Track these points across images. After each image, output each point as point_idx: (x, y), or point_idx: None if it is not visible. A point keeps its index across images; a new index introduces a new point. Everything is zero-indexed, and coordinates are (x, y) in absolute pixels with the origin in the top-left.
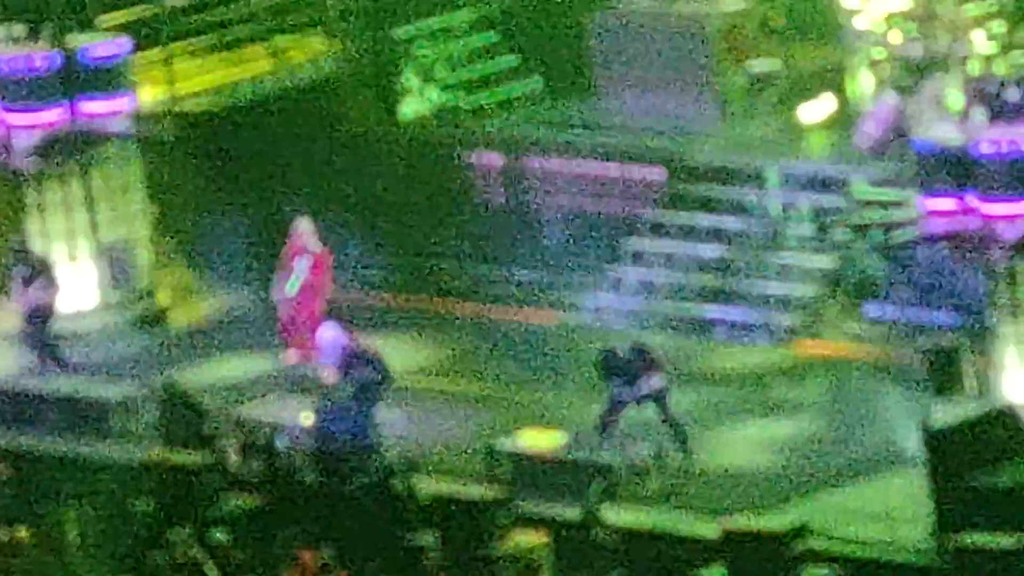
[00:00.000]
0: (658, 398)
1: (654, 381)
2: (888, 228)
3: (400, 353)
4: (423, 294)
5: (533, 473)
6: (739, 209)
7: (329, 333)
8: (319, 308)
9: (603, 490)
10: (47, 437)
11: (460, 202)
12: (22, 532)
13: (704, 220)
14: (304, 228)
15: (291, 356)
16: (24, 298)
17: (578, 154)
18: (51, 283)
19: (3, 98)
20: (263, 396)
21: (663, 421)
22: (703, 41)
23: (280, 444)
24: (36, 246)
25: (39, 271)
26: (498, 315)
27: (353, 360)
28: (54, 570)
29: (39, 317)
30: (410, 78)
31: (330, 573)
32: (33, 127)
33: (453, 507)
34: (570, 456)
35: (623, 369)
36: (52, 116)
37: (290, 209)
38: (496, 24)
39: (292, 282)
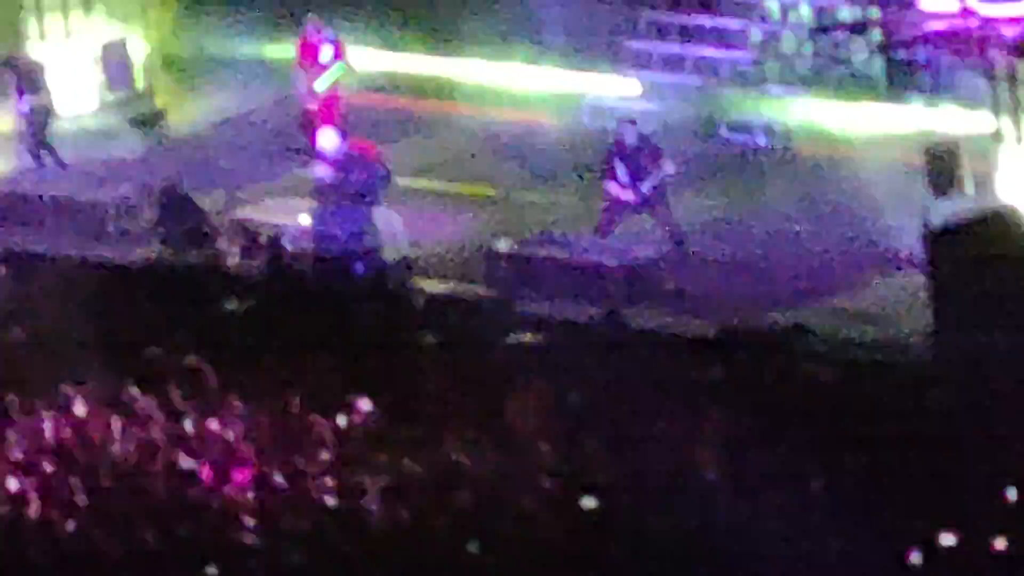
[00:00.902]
0: (661, 193)
1: (667, 166)
2: (887, 28)
3: (400, 154)
4: (423, 96)
5: (532, 274)
6: (740, 8)
7: (328, 136)
8: (340, 103)
9: (616, 292)
10: (44, 238)
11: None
12: (18, 332)
13: (706, 22)
14: (316, 23)
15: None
16: (20, 99)
17: None
18: (47, 84)
19: None
20: (262, 199)
21: (662, 222)
22: None
23: (281, 246)
24: (33, 48)
25: (35, 73)
26: (497, 116)
27: (352, 162)
28: (52, 369)
29: (36, 118)
30: None
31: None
32: None
33: (452, 306)
34: (570, 257)
35: (631, 159)
36: None
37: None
38: None
39: (327, 77)
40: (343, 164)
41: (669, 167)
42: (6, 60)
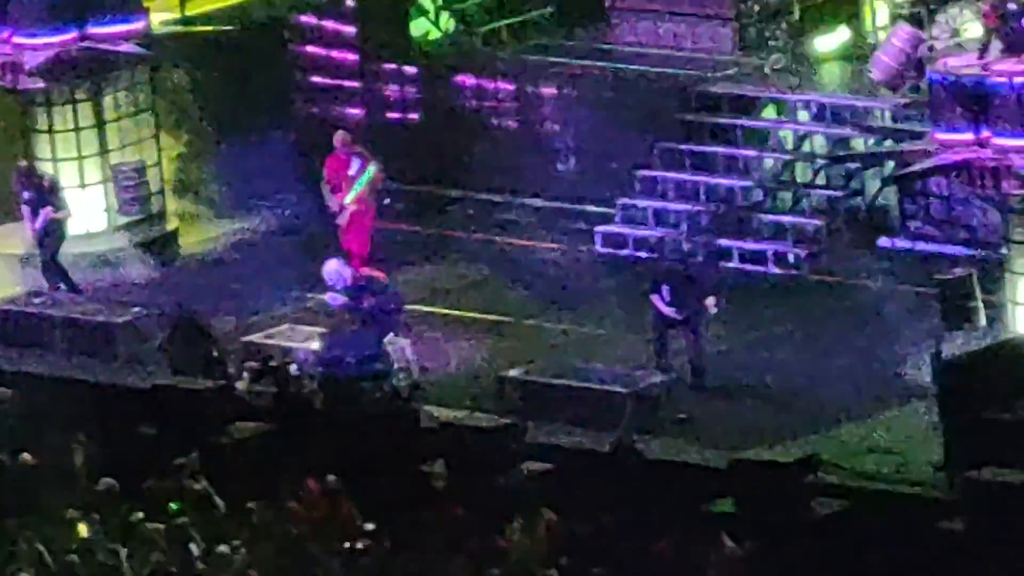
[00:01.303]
0: (699, 316)
1: (711, 302)
2: (902, 160)
3: (411, 281)
4: (435, 223)
5: (542, 401)
6: (753, 140)
7: (332, 266)
8: (370, 221)
9: (633, 419)
10: (54, 360)
11: (472, 130)
12: (27, 457)
13: (718, 150)
14: (345, 138)
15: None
16: (33, 220)
17: (591, 83)
18: (61, 205)
19: (13, 20)
20: (274, 324)
21: (691, 345)
22: None
23: (290, 370)
24: (45, 169)
25: (48, 193)
26: (510, 244)
27: (363, 290)
28: (59, 496)
29: (49, 239)
30: (425, 1)
31: (336, 499)
32: (43, 49)
33: (462, 434)
34: (579, 385)
35: (680, 287)
36: (62, 38)
37: (305, 133)
38: None
39: (355, 189)
40: (355, 291)
41: (713, 308)
42: (25, 173)
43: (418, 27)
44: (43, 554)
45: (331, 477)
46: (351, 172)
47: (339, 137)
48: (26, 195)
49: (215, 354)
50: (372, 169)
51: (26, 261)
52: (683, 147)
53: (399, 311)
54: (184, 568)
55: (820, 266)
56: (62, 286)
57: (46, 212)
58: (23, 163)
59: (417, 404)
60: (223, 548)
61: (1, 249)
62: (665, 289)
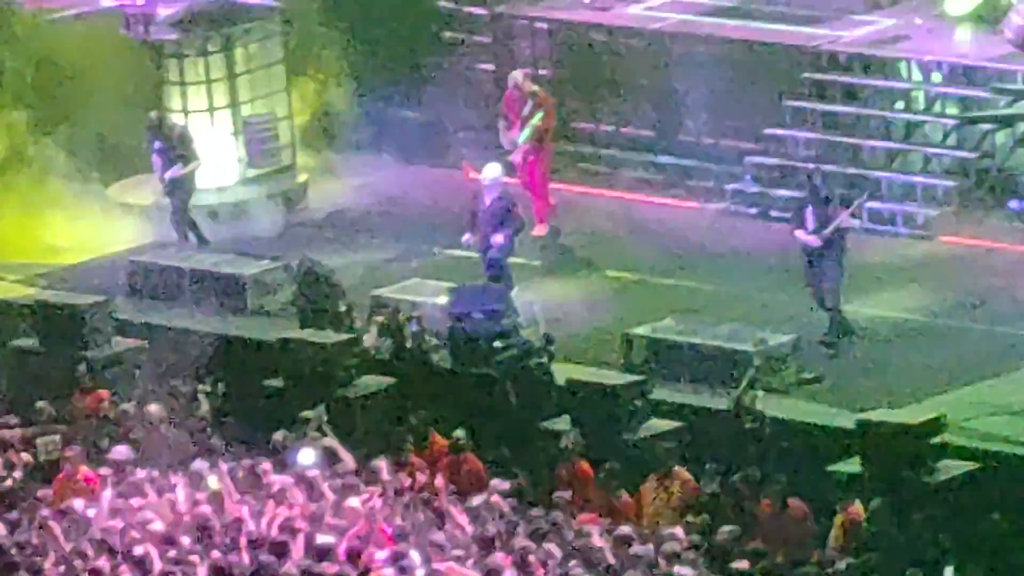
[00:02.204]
0: (837, 248)
1: (849, 219)
2: None
3: (538, 239)
4: (566, 179)
5: (670, 360)
6: (883, 100)
7: (493, 167)
8: (546, 165)
9: (752, 378)
10: (183, 312)
11: (602, 85)
12: (155, 409)
13: (847, 110)
14: (518, 78)
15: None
16: (163, 171)
17: (720, 41)
18: (191, 157)
19: None
20: (403, 277)
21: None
22: None
23: (415, 326)
24: (176, 120)
25: (179, 144)
26: (639, 201)
27: (504, 195)
28: (186, 446)
29: (179, 191)
30: None
31: (460, 453)
32: (176, 1)
33: (589, 392)
34: (707, 343)
35: (820, 209)
36: None
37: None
38: None
39: (527, 129)
40: (495, 193)
41: (851, 220)
42: (157, 125)
43: None
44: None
45: (458, 432)
46: (525, 112)
47: (513, 77)
48: (157, 145)
49: (344, 307)
50: (540, 114)
51: (155, 212)
52: (814, 106)
53: (520, 231)
54: (311, 520)
55: (951, 228)
56: (191, 237)
57: (176, 167)
58: (155, 114)
59: (547, 361)
60: (351, 501)
61: (130, 200)
62: (809, 216)
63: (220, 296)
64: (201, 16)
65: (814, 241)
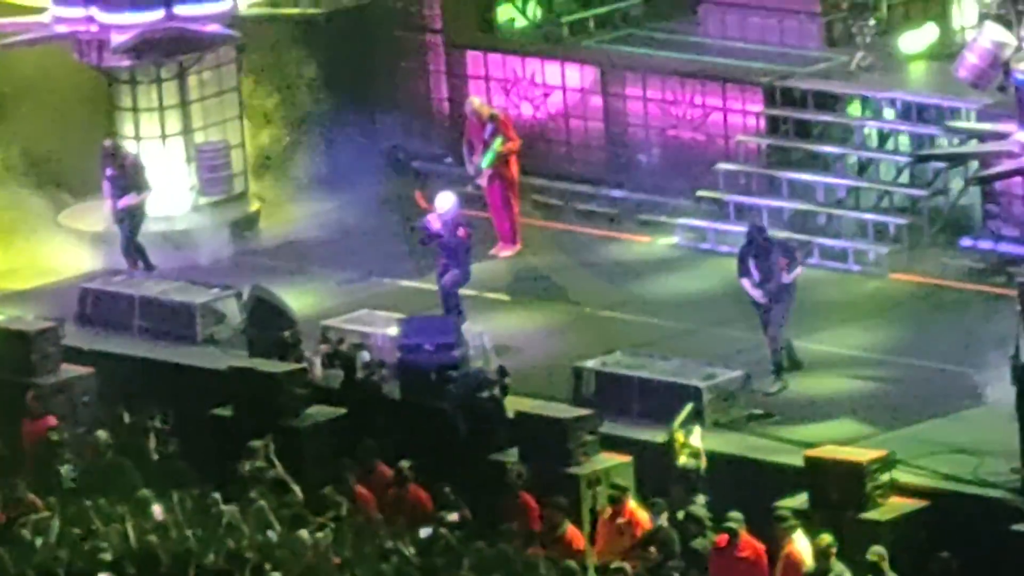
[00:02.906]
0: (782, 298)
1: (794, 272)
2: (985, 160)
3: (492, 270)
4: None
5: (619, 394)
6: (837, 137)
7: (446, 198)
8: (511, 186)
9: (692, 413)
10: (132, 340)
11: (555, 120)
12: (103, 436)
13: (801, 146)
14: (473, 104)
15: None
16: (115, 198)
17: (676, 75)
18: (143, 186)
19: None
20: (351, 311)
21: (771, 330)
22: None
23: (364, 357)
24: (128, 147)
25: (132, 173)
26: (591, 234)
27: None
28: (133, 476)
29: (128, 219)
30: None
31: (405, 484)
32: (129, 28)
33: (537, 425)
34: (656, 378)
35: (762, 260)
36: (148, 18)
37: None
38: None
39: (490, 152)
40: (449, 222)
41: (795, 272)
42: (111, 153)
43: (504, 13)
44: (122, 533)
45: (403, 463)
46: (485, 136)
47: (469, 104)
48: (109, 172)
49: (291, 337)
50: (499, 139)
51: (105, 239)
52: (765, 142)
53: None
54: (261, 551)
55: (902, 265)
56: (140, 265)
57: (129, 197)
58: (108, 142)
59: (499, 394)
60: (301, 532)
61: (81, 226)
62: (752, 268)
63: (170, 324)
64: (154, 43)
65: (759, 296)
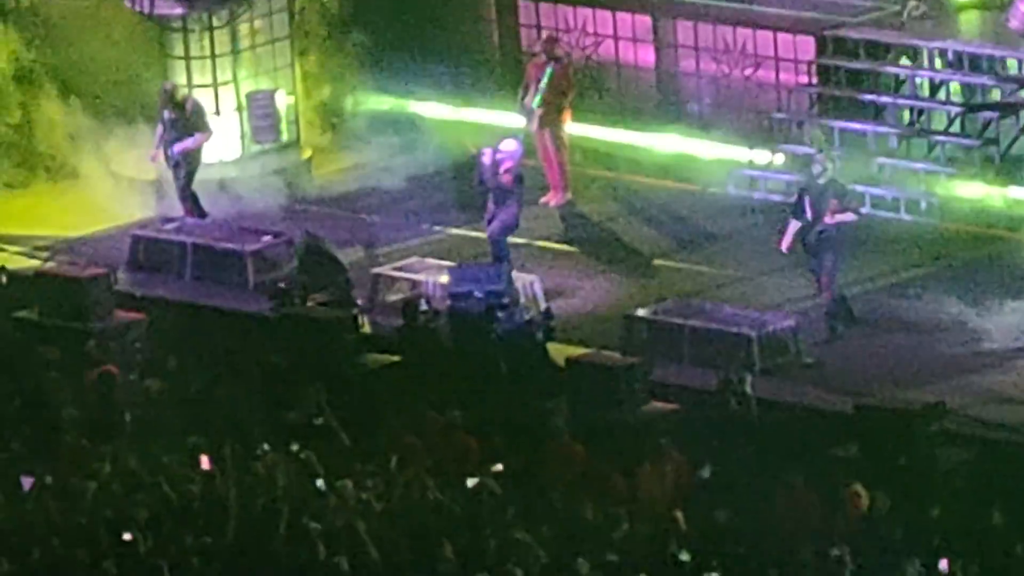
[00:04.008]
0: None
1: (847, 214)
2: None
3: (542, 216)
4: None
5: (669, 342)
6: (889, 86)
7: (510, 142)
8: (561, 132)
9: (744, 361)
10: (183, 287)
11: (605, 67)
12: (155, 384)
13: (852, 95)
14: (543, 42)
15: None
16: (169, 143)
17: (727, 24)
18: (202, 129)
19: None
20: (403, 256)
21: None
22: None
23: (423, 305)
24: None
25: (192, 117)
26: (641, 182)
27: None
28: (182, 425)
29: (185, 163)
30: None
31: (453, 433)
32: None
33: (586, 372)
34: (707, 326)
35: (818, 200)
36: None
37: (440, 63)
38: None
39: (539, 92)
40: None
41: (841, 217)
42: (171, 94)
43: None
44: (163, 483)
45: (454, 412)
46: (541, 77)
47: (539, 42)
48: (166, 114)
49: (344, 284)
50: (549, 70)
51: (156, 187)
52: (817, 90)
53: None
54: (307, 501)
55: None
56: (191, 210)
57: (187, 140)
58: (168, 84)
59: (543, 339)
60: (345, 482)
61: (134, 174)
62: (808, 207)
63: (221, 271)
64: None
65: (787, 240)
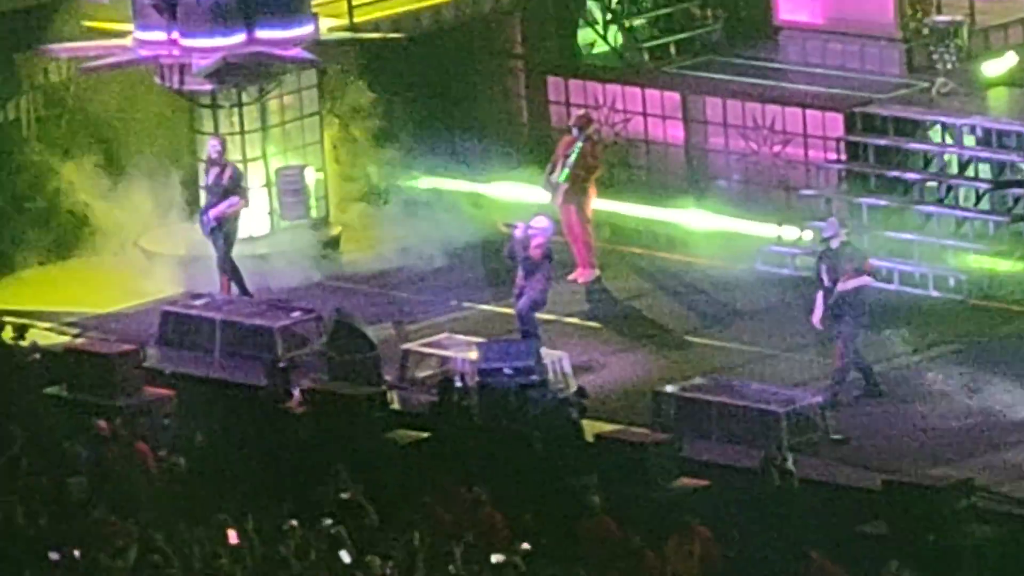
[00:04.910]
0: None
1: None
2: None
3: (570, 291)
4: (598, 236)
5: (698, 418)
6: (917, 162)
7: (541, 219)
8: (587, 209)
9: (772, 438)
10: (212, 363)
11: (632, 145)
12: (182, 461)
13: (881, 172)
14: (578, 118)
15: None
16: (207, 208)
17: (756, 101)
18: (240, 194)
19: (182, 22)
20: (433, 332)
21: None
22: None
23: (460, 381)
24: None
25: (233, 181)
26: (669, 258)
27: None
28: (210, 501)
29: (222, 232)
30: (593, 12)
31: (480, 509)
32: (211, 52)
33: (616, 448)
34: (736, 403)
35: (834, 265)
36: (230, 42)
37: (468, 140)
38: None
39: (566, 167)
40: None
41: (856, 281)
42: (217, 157)
43: (584, 37)
44: (192, 557)
45: (481, 488)
46: (571, 152)
47: (573, 118)
48: (209, 178)
49: (374, 360)
50: (578, 146)
51: (186, 263)
52: (845, 167)
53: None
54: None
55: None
56: (234, 289)
57: (223, 205)
58: (215, 141)
59: (576, 416)
60: (374, 557)
61: (163, 250)
62: (824, 273)
63: (251, 347)
64: (236, 67)
65: (816, 319)
